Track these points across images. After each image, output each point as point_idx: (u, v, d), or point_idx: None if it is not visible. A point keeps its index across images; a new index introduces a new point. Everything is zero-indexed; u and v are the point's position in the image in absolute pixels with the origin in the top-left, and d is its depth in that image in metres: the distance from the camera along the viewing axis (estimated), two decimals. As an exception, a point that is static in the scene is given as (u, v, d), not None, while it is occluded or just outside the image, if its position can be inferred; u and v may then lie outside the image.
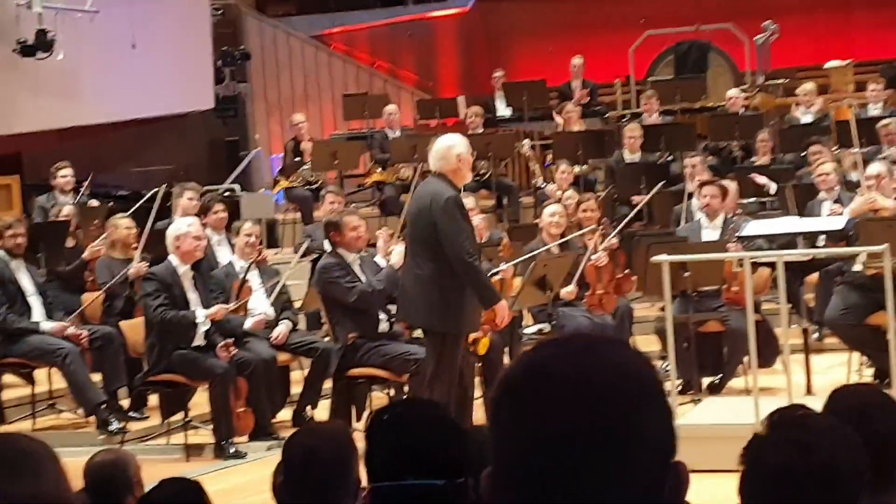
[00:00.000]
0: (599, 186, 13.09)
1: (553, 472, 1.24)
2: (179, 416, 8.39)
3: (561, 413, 1.24)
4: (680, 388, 8.42)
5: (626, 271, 9.51)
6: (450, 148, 7.04)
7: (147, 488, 3.83)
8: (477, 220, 9.87)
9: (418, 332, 7.77)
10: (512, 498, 1.27)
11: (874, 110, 13.52)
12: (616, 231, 9.81)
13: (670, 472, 1.28)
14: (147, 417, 8.94)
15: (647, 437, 1.26)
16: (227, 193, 12.63)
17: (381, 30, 19.15)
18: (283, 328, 8.68)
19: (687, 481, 1.29)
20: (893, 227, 8.16)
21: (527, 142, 14.00)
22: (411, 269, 7.06)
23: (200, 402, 8.48)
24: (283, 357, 8.68)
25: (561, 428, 1.24)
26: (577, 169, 12.65)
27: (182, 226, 8.40)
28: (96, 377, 8.75)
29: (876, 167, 9.00)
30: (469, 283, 6.91)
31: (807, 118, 13.82)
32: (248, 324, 8.55)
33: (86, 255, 9.47)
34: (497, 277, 8.55)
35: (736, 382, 8.94)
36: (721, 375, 8.92)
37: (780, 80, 15.61)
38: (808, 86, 14.19)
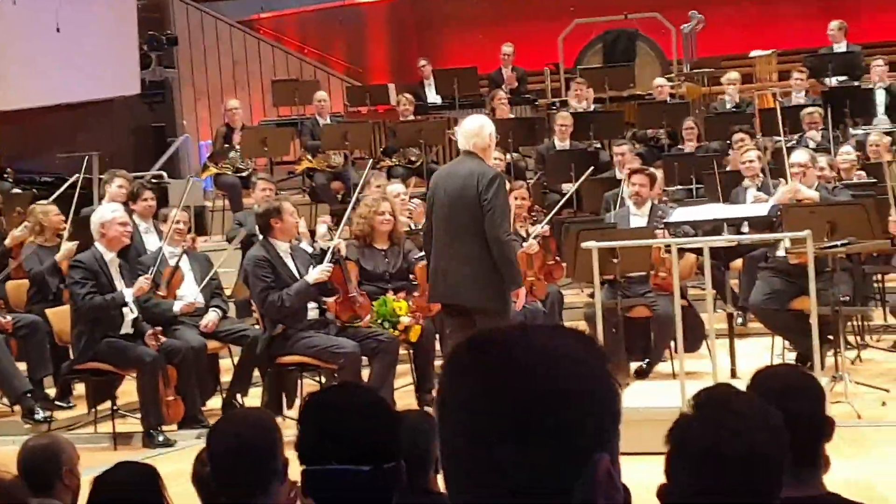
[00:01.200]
0: (530, 174, 13.16)
1: (494, 455, 1.26)
2: (107, 404, 8.33)
3: (499, 389, 1.26)
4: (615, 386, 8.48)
5: (557, 258, 9.58)
6: (482, 126, 7.10)
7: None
8: (413, 204, 9.92)
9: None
10: (459, 472, 1.29)
11: (798, 99, 13.72)
12: (547, 219, 9.88)
13: (596, 459, 1.28)
14: (73, 406, 8.86)
15: (577, 421, 1.27)
16: (153, 180, 12.52)
17: (310, 15, 19.07)
18: (212, 316, 8.64)
19: (613, 473, 1.29)
20: (816, 213, 8.30)
21: (457, 129, 14.02)
22: (453, 249, 6.96)
23: (129, 390, 8.42)
24: (212, 345, 8.64)
25: (498, 410, 1.26)
26: (507, 156, 12.70)
27: (107, 213, 8.31)
28: (22, 366, 8.65)
29: (800, 155, 9.13)
30: (503, 262, 6.88)
31: (731, 106, 14.00)
32: (177, 307, 8.50)
33: (7, 241, 9.36)
34: (422, 264, 8.58)
35: (663, 367, 9.05)
36: (648, 360, 9.03)
37: (706, 69, 15.78)
38: (733, 74, 14.37)
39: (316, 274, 7.97)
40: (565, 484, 1.26)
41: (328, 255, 8.33)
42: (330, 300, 8.10)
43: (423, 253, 8.72)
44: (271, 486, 2.98)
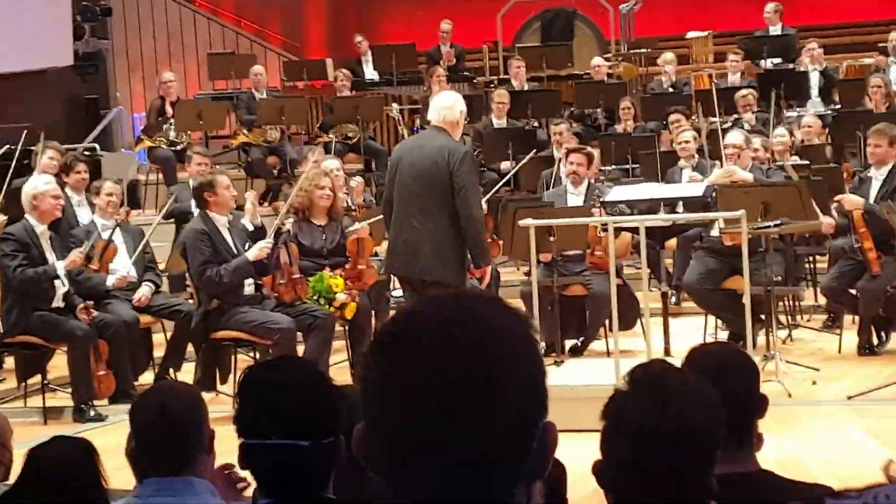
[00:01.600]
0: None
1: (422, 429, 1.25)
2: (37, 378, 8.23)
3: (430, 371, 1.25)
4: (543, 350, 8.53)
5: (493, 236, 9.59)
6: (455, 102, 7.20)
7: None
8: (355, 182, 9.88)
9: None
10: (382, 455, 1.28)
11: (733, 80, 13.83)
12: (485, 197, 9.87)
13: (539, 431, 1.29)
14: (3, 380, 8.75)
15: (514, 395, 1.26)
16: (87, 153, 12.36)
17: (247, -11, 18.90)
18: (145, 290, 8.56)
19: (555, 440, 1.30)
20: (750, 193, 8.37)
21: (395, 105, 14.00)
22: (417, 221, 6.98)
23: (59, 364, 8.32)
24: (145, 319, 8.56)
25: (430, 385, 1.24)
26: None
27: (39, 184, 8.19)
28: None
29: (734, 137, 9.20)
30: (472, 238, 6.97)
31: (668, 87, 14.09)
32: (110, 281, 8.41)
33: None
34: (353, 237, 8.57)
35: (598, 345, 9.11)
36: (583, 338, 9.08)
37: (643, 50, 15.86)
38: (669, 55, 14.46)
39: (255, 251, 7.90)
40: (520, 453, 1.27)
41: (271, 233, 8.29)
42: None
43: (356, 226, 8.71)
44: (197, 458, 2.96)
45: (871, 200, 8.51)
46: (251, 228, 8.25)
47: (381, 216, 8.95)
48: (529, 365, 1.29)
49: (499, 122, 13.05)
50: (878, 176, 8.69)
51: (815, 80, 13.55)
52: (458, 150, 7.05)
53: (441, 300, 1.32)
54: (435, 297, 1.33)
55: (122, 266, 8.60)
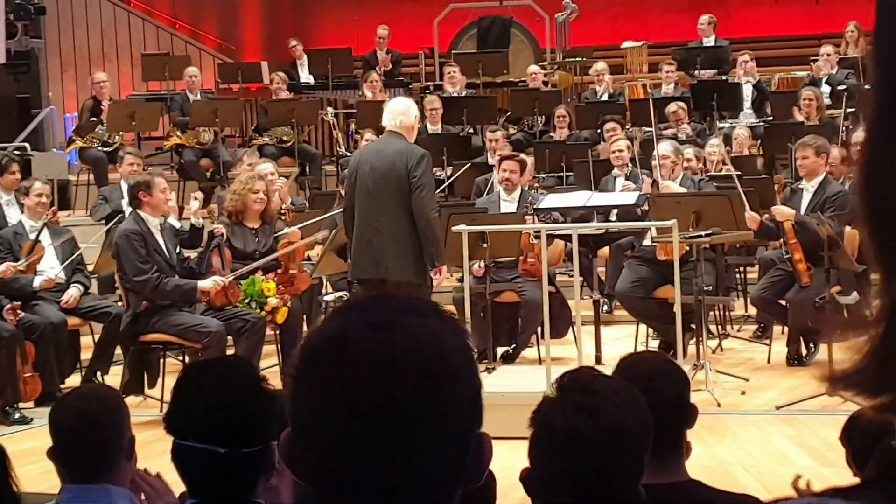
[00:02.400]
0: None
1: (355, 444, 1.21)
2: (-38, 380, 8.09)
3: (364, 385, 1.20)
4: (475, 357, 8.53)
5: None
6: (410, 106, 7.52)
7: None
8: (279, 183, 9.81)
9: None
10: (310, 467, 1.25)
11: (667, 91, 13.95)
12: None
13: (473, 442, 1.26)
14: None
15: (449, 408, 1.23)
16: (17, 152, 12.17)
17: (182, -10, 18.75)
18: (73, 291, 8.45)
19: (490, 452, 1.27)
20: (682, 204, 8.43)
21: (330, 109, 13.95)
22: (379, 223, 7.20)
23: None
24: (73, 321, 8.45)
25: (364, 401, 1.20)
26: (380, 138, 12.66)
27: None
28: None
29: (665, 147, 9.24)
30: (430, 238, 7.22)
31: (603, 96, 14.17)
32: (37, 282, 8.29)
33: None
34: (284, 240, 8.52)
35: (529, 352, 9.13)
36: (515, 345, 9.09)
37: (579, 59, 15.94)
38: (601, 65, 14.54)
39: (208, 284, 7.84)
40: (456, 467, 1.24)
41: (206, 237, 8.22)
42: (207, 285, 7.88)
43: (287, 230, 8.65)
44: (116, 465, 2.92)
45: (802, 212, 8.61)
46: (178, 226, 8.17)
47: (313, 220, 8.95)
48: (468, 379, 1.26)
49: (433, 128, 13.04)
50: (808, 188, 8.79)
51: (747, 91, 13.70)
52: (416, 152, 7.31)
53: (372, 307, 1.27)
54: (365, 303, 1.28)
55: (50, 267, 8.48)
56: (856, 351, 0.92)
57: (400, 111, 7.39)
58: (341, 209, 9.06)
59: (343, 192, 7.81)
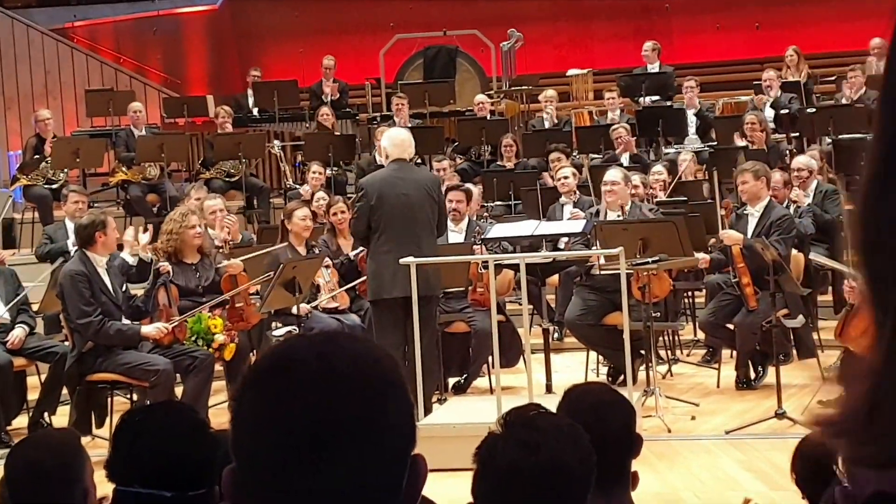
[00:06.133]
0: (350, 188, 13.12)
1: (293, 465, 1.23)
2: None
3: (301, 404, 1.23)
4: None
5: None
6: (411, 138, 8.31)
7: None
8: (231, 220, 9.75)
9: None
10: (252, 493, 1.25)
11: (613, 117, 14.04)
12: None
13: (409, 464, 1.28)
14: None
15: (387, 428, 1.26)
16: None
17: (126, 25, 18.68)
18: (19, 332, 8.35)
19: (425, 474, 1.30)
20: (629, 230, 8.47)
21: (277, 142, 13.92)
22: (419, 244, 7.79)
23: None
24: (19, 362, 8.35)
25: (301, 419, 1.23)
26: (328, 171, 12.65)
27: None
28: None
29: (613, 174, 9.25)
30: (435, 253, 7.97)
31: (546, 124, 14.24)
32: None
33: None
34: (226, 274, 8.46)
35: (481, 382, 9.11)
36: (466, 375, 9.07)
37: (525, 87, 16.02)
38: (550, 92, 14.62)
39: (151, 331, 7.79)
40: (393, 488, 1.27)
41: (151, 276, 8.14)
42: (151, 331, 7.83)
43: (226, 263, 8.59)
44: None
45: (749, 236, 8.68)
46: (132, 262, 8.11)
47: (259, 252, 8.90)
48: (402, 399, 1.29)
49: (381, 159, 13.02)
50: (753, 213, 8.86)
51: (692, 117, 13.81)
52: (437, 180, 8.64)
53: (312, 337, 1.32)
54: (305, 335, 1.34)
55: (-7, 308, 8.38)
56: (844, 397, 0.91)
57: (406, 144, 8.11)
58: (284, 244, 9.06)
59: (354, 218, 8.26)
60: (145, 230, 8.71)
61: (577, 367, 9.24)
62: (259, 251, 9.05)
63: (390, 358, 1.31)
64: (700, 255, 8.77)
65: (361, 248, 8.79)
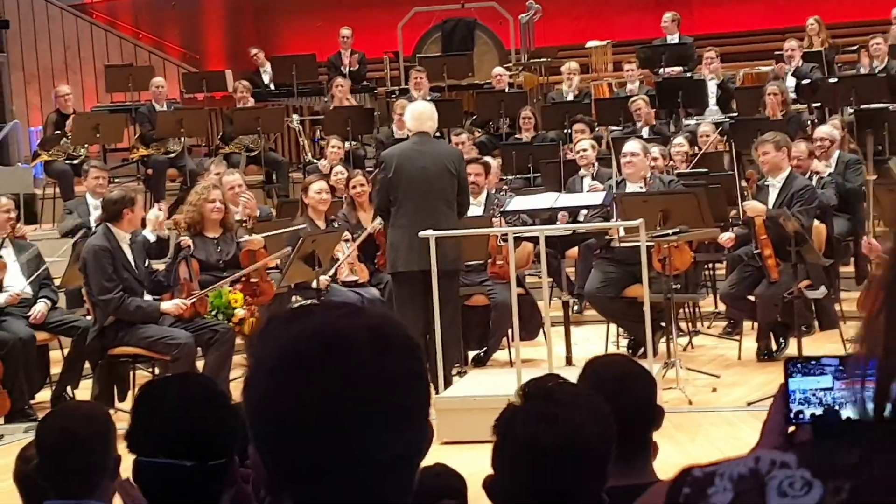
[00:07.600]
0: (369, 162, 13.12)
1: (317, 441, 1.23)
2: (-70, 399, 8.01)
3: (324, 391, 1.23)
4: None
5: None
6: (433, 111, 8.18)
7: None
8: (244, 198, 9.74)
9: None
10: (276, 473, 1.26)
11: (632, 89, 13.97)
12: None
13: (426, 430, 1.29)
14: None
15: (411, 381, 1.27)
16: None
17: (144, 0, 18.66)
18: (41, 306, 8.39)
19: (431, 436, 1.31)
20: (649, 202, 8.45)
21: (296, 117, 13.92)
22: (437, 220, 7.70)
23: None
24: (41, 336, 8.39)
25: (324, 407, 1.23)
26: (346, 144, 12.65)
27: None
28: None
29: (632, 146, 9.20)
30: (453, 227, 7.85)
31: (569, 96, 14.19)
32: (1, 298, 8.22)
33: None
34: (245, 249, 8.47)
35: (501, 355, 9.12)
36: (486, 348, 9.08)
37: (543, 59, 15.96)
38: (573, 64, 14.55)
39: (170, 307, 7.81)
40: (416, 455, 1.28)
41: (172, 251, 8.16)
42: (170, 308, 7.85)
43: (248, 238, 8.59)
44: (101, 483, 2.88)
45: (770, 207, 8.63)
46: (153, 239, 8.13)
47: (281, 231, 8.90)
48: (419, 356, 1.30)
49: (400, 132, 13.02)
50: (774, 183, 8.80)
51: (712, 88, 13.72)
52: (458, 153, 8.52)
53: (327, 312, 1.29)
54: (322, 308, 1.31)
55: (15, 282, 8.42)
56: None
57: (427, 117, 8.03)
58: (302, 224, 9.05)
59: (375, 191, 8.36)
60: (160, 207, 8.73)
61: (596, 339, 9.23)
62: (281, 229, 9.05)
63: (410, 339, 1.31)
64: (726, 235, 8.71)
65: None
